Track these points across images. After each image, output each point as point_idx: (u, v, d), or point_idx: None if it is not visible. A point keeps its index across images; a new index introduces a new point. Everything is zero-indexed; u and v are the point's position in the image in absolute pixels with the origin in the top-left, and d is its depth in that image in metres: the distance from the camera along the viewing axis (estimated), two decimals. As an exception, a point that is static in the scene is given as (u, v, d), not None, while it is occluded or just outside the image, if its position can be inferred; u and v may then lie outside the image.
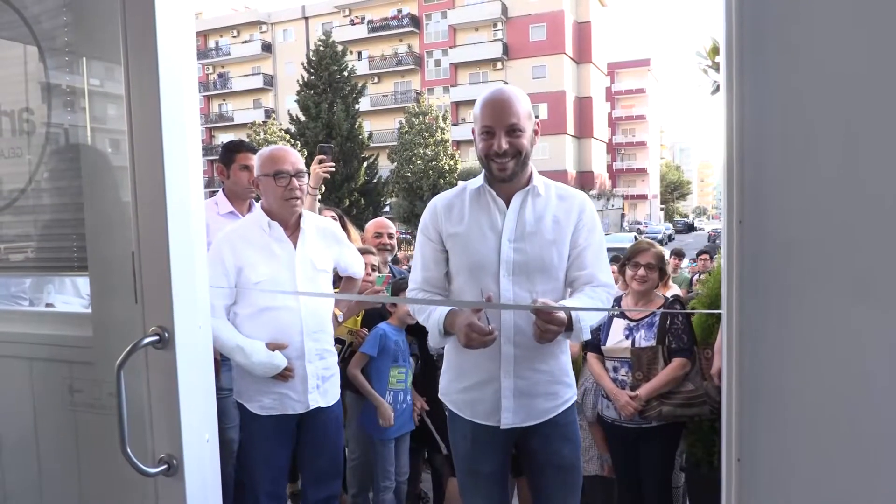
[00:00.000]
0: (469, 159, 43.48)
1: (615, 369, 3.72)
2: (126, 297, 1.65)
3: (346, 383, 3.41)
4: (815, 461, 1.21)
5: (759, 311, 1.23)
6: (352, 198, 37.85)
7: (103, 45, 1.82)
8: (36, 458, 2.00)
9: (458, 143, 46.47)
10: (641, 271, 3.75)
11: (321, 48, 41.16)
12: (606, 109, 70.28)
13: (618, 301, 3.85)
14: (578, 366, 3.99)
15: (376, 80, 59.48)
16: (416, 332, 4.03)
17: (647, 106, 77.99)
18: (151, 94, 1.56)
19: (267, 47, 64.04)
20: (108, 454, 1.69)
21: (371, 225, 4.72)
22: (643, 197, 76.98)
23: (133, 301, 1.63)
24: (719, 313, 1.32)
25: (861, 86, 1.13)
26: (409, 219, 39.24)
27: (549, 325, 2.26)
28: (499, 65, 56.55)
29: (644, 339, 3.66)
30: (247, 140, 4.28)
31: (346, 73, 41.31)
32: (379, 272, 4.03)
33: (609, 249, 2.70)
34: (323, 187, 3.97)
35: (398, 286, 4.03)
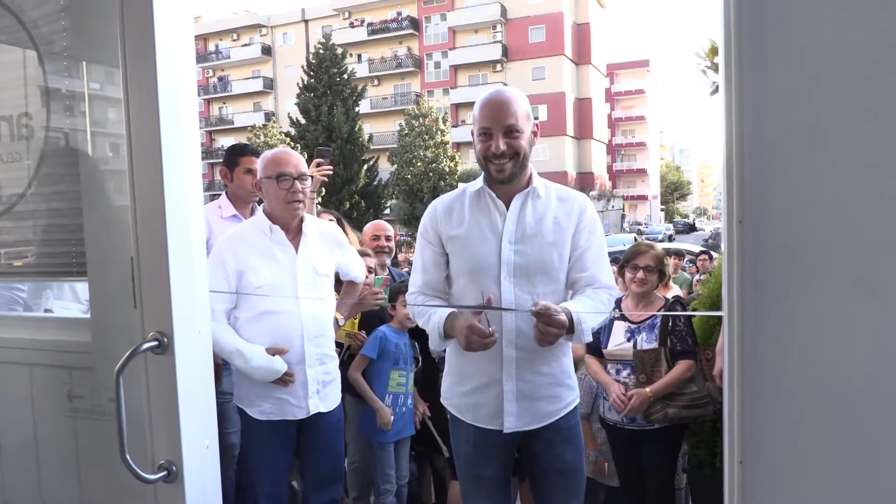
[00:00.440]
0: (469, 161, 43.46)
1: (618, 372, 3.71)
2: (125, 303, 1.64)
3: (346, 386, 3.41)
4: (816, 462, 1.20)
5: (759, 312, 1.22)
6: (352, 200, 37.89)
7: (102, 49, 1.82)
8: (35, 463, 2.00)
9: (458, 145, 46.49)
10: (640, 273, 3.73)
11: (321, 51, 41.22)
12: (606, 110, 70.33)
13: (618, 303, 3.84)
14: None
15: (376, 82, 59.53)
16: (419, 335, 4.03)
17: (647, 107, 78.00)
18: (150, 98, 1.55)
19: (267, 50, 64.11)
20: (107, 460, 1.68)
21: (369, 227, 4.71)
22: (643, 198, 76.98)
23: (132, 306, 1.62)
24: (720, 315, 1.32)
25: (860, 86, 1.13)
26: (410, 221, 39.28)
27: (550, 328, 2.25)
28: (498, 66, 56.60)
29: (646, 341, 3.65)
30: (250, 144, 4.28)
31: (345, 76, 41.37)
32: (376, 275, 4.02)
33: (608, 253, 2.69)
34: (322, 190, 3.97)
35: (397, 289, 4.03)
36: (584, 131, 60.18)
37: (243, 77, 64.57)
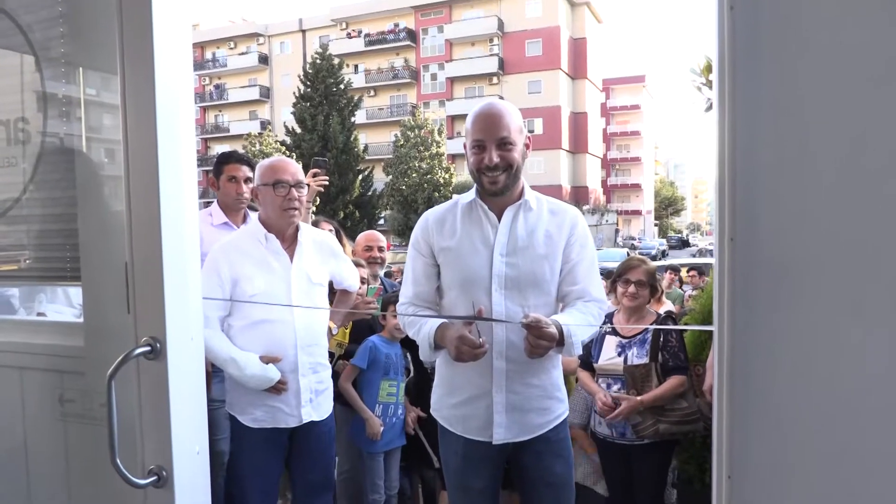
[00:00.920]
0: (464, 173, 43.47)
1: (608, 386, 3.71)
2: (118, 308, 1.64)
3: (336, 396, 3.41)
4: (805, 478, 1.21)
5: (750, 328, 1.23)
6: (346, 210, 37.83)
7: (100, 56, 1.82)
8: (25, 467, 1.99)
9: (453, 157, 46.51)
10: (632, 288, 3.74)
11: (318, 61, 41.25)
12: (601, 125, 70.52)
13: (609, 317, 3.84)
14: (572, 384, 3.99)
15: (372, 93, 59.62)
16: (410, 346, 4.02)
17: (642, 122, 78.29)
18: (147, 105, 1.56)
19: (264, 59, 64.21)
20: (97, 465, 1.68)
21: (362, 238, 4.71)
22: (637, 212, 77.16)
23: (125, 311, 1.62)
24: (711, 330, 1.33)
25: (852, 104, 1.15)
26: (404, 232, 39.23)
27: (540, 341, 2.26)
28: (494, 79, 56.78)
29: (636, 356, 3.65)
30: (237, 151, 4.26)
31: (342, 86, 41.39)
32: (369, 285, 4.02)
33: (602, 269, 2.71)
34: (317, 199, 3.97)
35: (388, 299, 4.03)
36: (579, 145, 60.34)
37: (240, 85, 64.61)
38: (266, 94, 63.98)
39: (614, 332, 3.78)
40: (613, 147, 78.09)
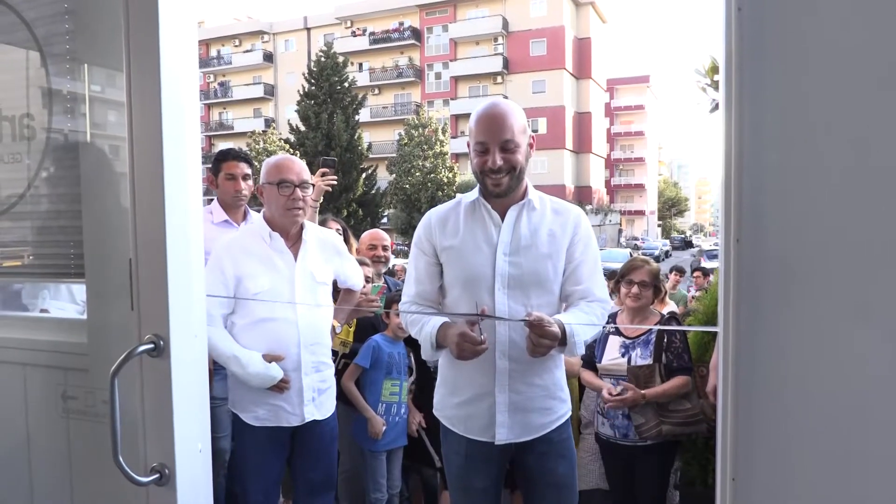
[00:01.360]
0: (467, 172, 43.47)
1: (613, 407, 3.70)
2: (122, 305, 1.64)
3: (339, 394, 3.41)
4: (810, 480, 1.21)
5: (755, 329, 1.23)
6: (350, 208, 37.86)
7: (105, 52, 1.82)
8: (27, 464, 1.99)
9: (456, 156, 46.53)
10: (635, 289, 3.73)
11: (322, 59, 41.28)
12: (605, 125, 70.56)
13: (613, 318, 3.84)
14: (575, 387, 3.98)
15: (377, 91, 59.66)
16: (414, 345, 4.02)
17: (646, 122, 78.27)
18: (153, 102, 1.56)
19: (268, 57, 64.27)
20: (100, 462, 1.68)
21: (366, 236, 4.71)
22: (641, 213, 77.18)
23: (129, 308, 1.62)
24: (715, 331, 1.32)
25: (860, 106, 1.14)
26: (407, 230, 39.27)
27: (543, 339, 2.25)
28: (499, 79, 56.79)
29: (640, 356, 3.65)
30: (234, 148, 4.24)
31: (346, 84, 41.41)
32: (373, 283, 4.02)
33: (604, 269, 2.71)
34: (321, 198, 3.97)
35: (392, 298, 4.03)
36: (583, 145, 60.33)
37: (244, 83, 64.68)
38: (270, 91, 64.04)
39: (618, 333, 3.77)
40: (617, 147, 78.07)
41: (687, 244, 66.41)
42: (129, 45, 1.59)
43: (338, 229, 4.12)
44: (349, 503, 4.10)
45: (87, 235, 1.83)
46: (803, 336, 1.19)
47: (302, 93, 41.24)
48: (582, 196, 57.54)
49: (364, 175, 40.29)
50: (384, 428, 3.83)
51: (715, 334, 3.80)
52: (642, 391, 3.53)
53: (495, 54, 56.92)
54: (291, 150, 37.45)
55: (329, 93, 40.44)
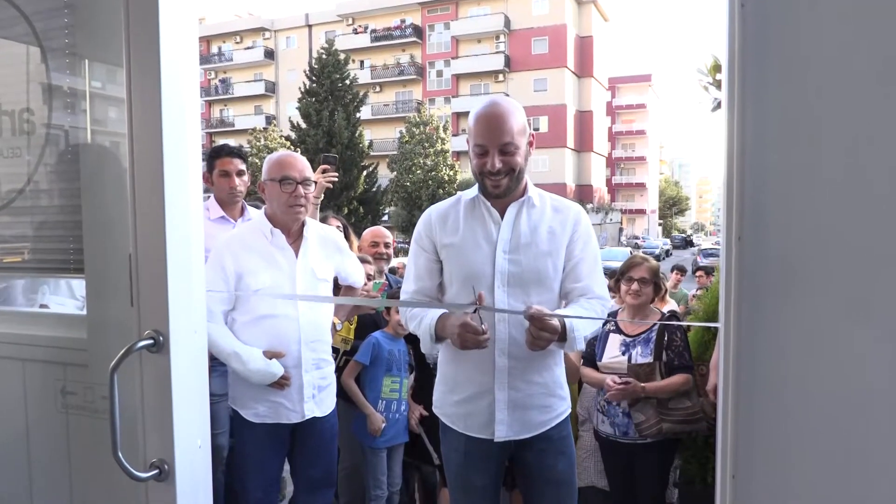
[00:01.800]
0: (468, 170, 43.41)
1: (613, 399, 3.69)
2: (122, 300, 1.64)
3: (339, 391, 3.41)
4: (810, 478, 1.20)
5: (757, 327, 1.23)
6: (350, 206, 37.83)
7: (106, 48, 1.82)
8: (27, 459, 1.99)
9: (457, 154, 46.49)
10: (635, 286, 3.73)
11: (324, 56, 41.23)
12: (607, 124, 70.53)
13: (613, 315, 3.84)
14: (574, 389, 3.98)
15: (378, 89, 59.63)
16: (414, 341, 4.02)
17: (648, 121, 78.27)
18: (153, 98, 1.55)
19: (269, 54, 64.23)
20: (99, 458, 1.68)
21: (368, 234, 4.71)
22: (642, 212, 77.16)
23: (129, 304, 1.62)
24: (715, 330, 1.32)
25: (862, 104, 1.14)
26: (408, 228, 39.23)
27: (542, 332, 2.25)
28: (500, 77, 56.75)
29: (641, 355, 3.65)
30: (227, 144, 4.22)
31: (347, 82, 41.35)
32: (374, 280, 4.02)
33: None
34: (321, 195, 3.96)
35: (393, 295, 4.03)
36: (584, 144, 60.32)
37: (245, 80, 64.67)
38: (271, 88, 64.02)
39: (618, 331, 3.77)
40: (618, 146, 78.06)
41: (687, 243, 66.44)
42: (130, 40, 1.59)
43: (338, 226, 4.12)
44: (349, 500, 4.10)
45: (86, 231, 1.82)
46: (804, 334, 1.19)
47: (303, 90, 41.17)
48: (583, 195, 57.52)
49: (365, 173, 40.24)
50: (384, 425, 3.84)
51: (715, 333, 3.80)
52: (643, 384, 3.53)
53: (497, 52, 56.88)
54: (292, 147, 37.38)
55: (330, 90, 40.38)
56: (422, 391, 4.10)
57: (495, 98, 2.55)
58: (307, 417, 3.03)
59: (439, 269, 2.60)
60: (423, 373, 4.14)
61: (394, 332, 3.95)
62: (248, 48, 65.12)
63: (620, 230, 62.52)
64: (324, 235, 3.24)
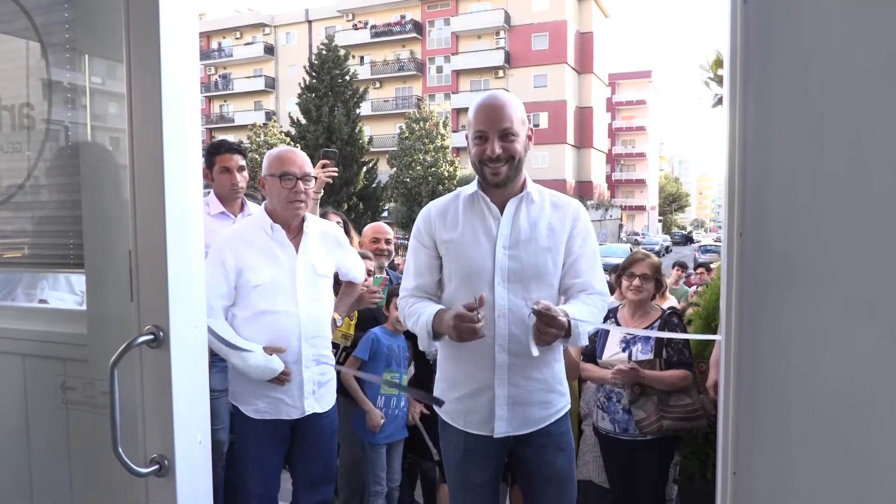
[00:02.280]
0: (468, 167, 43.40)
1: (613, 382, 3.70)
2: (122, 296, 1.64)
3: (339, 387, 3.41)
4: (810, 475, 1.20)
5: (757, 323, 1.22)
6: (350, 202, 37.78)
7: (106, 43, 1.81)
8: (27, 455, 1.99)
9: (457, 150, 46.43)
10: (636, 282, 3.73)
11: (324, 52, 41.14)
12: (607, 120, 70.46)
13: (613, 312, 3.84)
14: (574, 388, 3.97)
15: (378, 84, 59.53)
16: (413, 337, 4.02)
17: (648, 117, 78.21)
18: (153, 94, 1.55)
19: (269, 50, 64.12)
20: (99, 453, 1.68)
21: (368, 229, 4.71)
22: (641, 208, 77.14)
23: (129, 299, 1.62)
24: (716, 326, 1.32)
25: (864, 100, 1.14)
26: (408, 224, 39.18)
27: (550, 328, 2.25)
28: (500, 73, 56.65)
29: (641, 352, 3.65)
30: (227, 140, 4.21)
31: (347, 78, 41.25)
32: (375, 276, 4.02)
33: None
34: (321, 191, 3.96)
35: (394, 291, 4.02)
36: (584, 140, 60.26)
37: (245, 76, 64.54)
38: (271, 84, 63.92)
39: (618, 325, 3.77)
40: (619, 142, 78.02)
41: (687, 240, 66.50)
42: (130, 35, 1.59)
43: (338, 222, 4.12)
44: (349, 496, 4.10)
45: (86, 226, 1.82)
46: (805, 331, 1.19)
47: (303, 86, 41.10)
48: (583, 191, 57.50)
49: (365, 169, 40.18)
50: (383, 421, 3.84)
51: (716, 329, 3.79)
52: (645, 371, 3.53)
53: (497, 48, 56.78)
54: (292, 143, 37.33)
55: (330, 86, 40.29)
56: (421, 387, 4.11)
57: (494, 91, 2.55)
58: (307, 413, 3.02)
59: (439, 265, 2.60)
60: (422, 369, 4.15)
61: (393, 327, 3.95)
62: (248, 44, 64.99)
63: (620, 226, 62.57)
64: (324, 231, 3.23)
